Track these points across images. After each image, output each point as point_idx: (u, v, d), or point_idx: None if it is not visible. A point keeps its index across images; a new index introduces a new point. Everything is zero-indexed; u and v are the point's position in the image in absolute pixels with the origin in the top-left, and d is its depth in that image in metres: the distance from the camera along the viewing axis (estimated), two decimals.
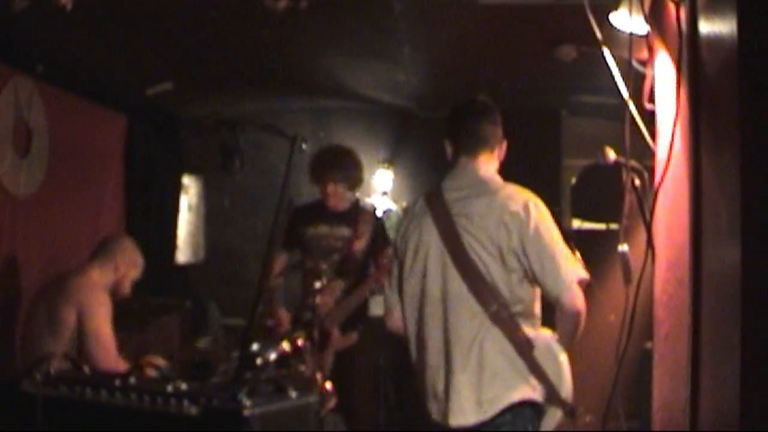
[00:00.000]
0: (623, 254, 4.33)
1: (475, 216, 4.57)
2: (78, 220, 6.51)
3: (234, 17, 6.11)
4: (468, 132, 4.79)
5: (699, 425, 3.24)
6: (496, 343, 4.51)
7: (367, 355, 7.37)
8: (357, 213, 7.22)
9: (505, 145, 4.81)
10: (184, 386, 3.70)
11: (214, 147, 5.46)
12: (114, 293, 6.07)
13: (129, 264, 6.10)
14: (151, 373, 4.55)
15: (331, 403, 6.07)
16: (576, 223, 8.45)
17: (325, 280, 6.20)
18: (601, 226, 7.88)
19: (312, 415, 3.77)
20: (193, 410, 3.53)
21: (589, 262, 6.19)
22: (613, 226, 7.18)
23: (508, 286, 4.51)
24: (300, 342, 5.80)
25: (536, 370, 4.49)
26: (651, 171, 4.08)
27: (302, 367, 5.77)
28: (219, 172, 5.58)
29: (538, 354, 4.50)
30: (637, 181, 4.21)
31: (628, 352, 3.92)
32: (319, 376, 5.84)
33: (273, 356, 5.50)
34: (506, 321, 4.50)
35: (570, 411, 4.53)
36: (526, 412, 4.51)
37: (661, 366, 3.80)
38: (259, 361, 5.27)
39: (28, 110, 7.00)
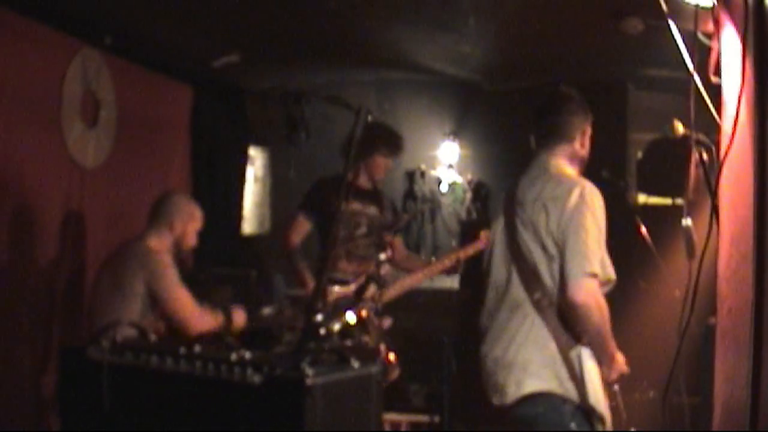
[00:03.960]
0: (686, 228, 4.31)
1: (526, 203, 4.67)
2: (144, 191, 6.59)
3: None
4: (542, 125, 4.89)
5: (761, 400, 3.23)
6: (534, 331, 4.57)
7: (432, 327, 7.41)
8: (380, 192, 7.36)
9: (587, 132, 4.84)
10: (247, 355, 3.74)
11: (279, 119, 5.50)
12: (179, 251, 6.11)
13: (185, 218, 6.10)
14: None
15: (395, 374, 6.10)
16: (642, 198, 8.40)
17: (390, 252, 6.23)
18: (668, 201, 7.83)
19: (374, 386, 3.79)
20: (256, 379, 3.56)
21: (654, 237, 6.19)
22: (680, 201, 7.14)
23: (549, 272, 4.55)
24: (364, 313, 5.83)
25: (569, 367, 4.51)
26: (718, 145, 4.05)
27: (366, 338, 5.81)
28: (285, 144, 5.61)
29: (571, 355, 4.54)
30: (705, 156, 4.18)
31: (691, 328, 3.91)
32: (382, 347, 5.88)
33: (336, 327, 5.54)
34: (547, 310, 4.54)
35: (598, 417, 4.55)
36: (554, 404, 4.54)
37: (724, 341, 3.78)
38: (322, 331, 5.33)
39: (96, 82, 7.08)
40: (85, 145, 6.98)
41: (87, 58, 6.97)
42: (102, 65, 7.18)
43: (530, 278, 4.61)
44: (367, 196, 7.15)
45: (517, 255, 4.70)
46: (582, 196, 4.53)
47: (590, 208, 4.50)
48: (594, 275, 4.43)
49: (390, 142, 7.13)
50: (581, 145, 4.84)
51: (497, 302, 4.81)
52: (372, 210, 7.14)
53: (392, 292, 6.96)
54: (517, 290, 4.67)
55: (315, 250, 7.28)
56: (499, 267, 4.85)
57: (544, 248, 4.57)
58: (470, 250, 6.99)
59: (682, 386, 4.72)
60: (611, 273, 4.57)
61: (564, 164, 4.79)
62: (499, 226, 4.92)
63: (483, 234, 6.59)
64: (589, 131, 4.88)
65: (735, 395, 3.50)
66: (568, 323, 4.54)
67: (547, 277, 4.57)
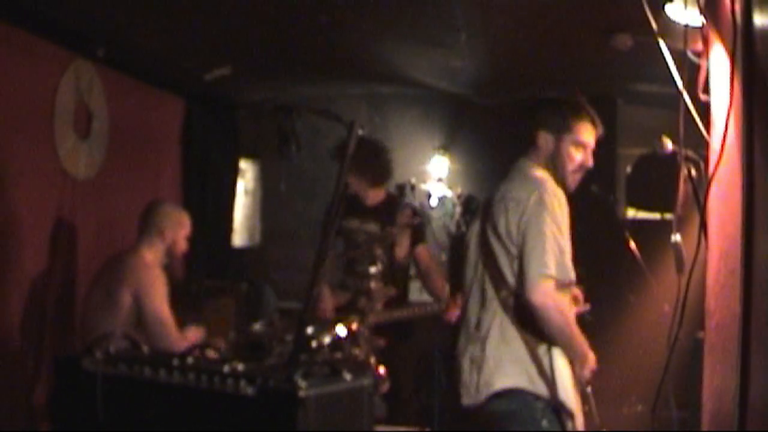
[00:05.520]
0: (675, 244, 4.34)
1: (494, 204, 4.69)
2: (136, 203, 6.60)
3: (292, 2, 6.16)
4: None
5: (748, 414, 3.26)
6: (502, 329, 4.60)
7: (422, 341, 7.41)
8: (392, 212, 7.14)
9: (546, 136, 4.85)
10: (240, 367, 3.77)
11: (270, 131, 5.53)
12: (171, 258, 6.13)
13: (174, 226, 6.12)
14: (212, 353, 4.62)
15: (385, 387, 6.12)
16: (631, 213, 8.45)
17: (380, 266, 6.25)
18: (656, 215, 7.87)
19: (366, 398, 3.82)
20: (250, 390, 3.59)
21: (643, 252, 6.22)
22: (668, 216, 7.17)
23: (512, 272, 4.58)
24: (354, 326, 5.86)
25: (538, 364, 4.55)
26: (706, 161, 4.09)
27: (356, 351, 5.83)
28: (275, 157, 5.64)
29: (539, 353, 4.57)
30: (693, 171, 4.21)
31: (680, 342, 3.93)
32: (372, 360, 5.91)
33: (327, 339, 5.57)
34: (513, 308, 4.57)
35: (567, 414, 4.58)
36: (525, 400, 4.57)
37: (712, 355, 3.81)
38: (313, 343, 5.35)
39: (88, 94, 7.11)
40: (78, 156, 7.01)
41: (80, 70, 7.00)
42: (95, 77, 7.21)
43: (497, 278, 4.64)
44: (367, 213, 7.13)
45: (485, 255, 4.74)
46: (540, 198, 4.54)
47: (548, 210, 4.51)
48: (550, 277, 4.45)
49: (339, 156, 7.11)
50: (547, 149, 4.85)
51: (471, 302, 4.85)
52: (371, 227, 7.10)
53: (376, 317, 6.92)
54: (487, 289, 4.70)
55: None
56: (473, 267, 4.89)
57: (506, 249, 4.60)
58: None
59: (670, 400, 4.75)
60: (571, 274, 4.58)
61: (533, 167, 4.81)
62: (475, 227, 4.96)
63: None
64: (552, 135, 4.87)
65: (723, 409, 3.53)
66: (534, 322, 4.57)
67: (510, 276, 4.61)
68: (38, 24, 6.38)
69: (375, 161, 7.07)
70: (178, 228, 6.13)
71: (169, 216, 6.12)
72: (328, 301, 6.95)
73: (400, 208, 7.20)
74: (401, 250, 7.07)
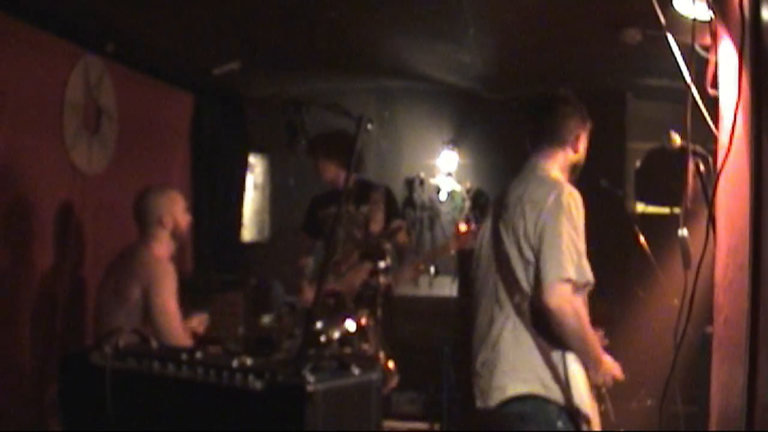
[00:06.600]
0: (683, 239, 4.33)
1: (509, 206, 4.64)
2: None
3: None
4: (535, 126, 4.87)
5: (756, 409, 3.25)
6: (515, 334, 4.57)
7: (431, 335, 7.42)
8: (366, 192, 7.39)
9: (582, 137, 4.81)
10: (249, 361, 3.76)
11: (279, 126, 5.53)
12: (180, 239, 6.10)
13: (168, 208, 6.01)
14: (216, 348, 4.62)
15: (394, 381, 6.12)
16: (640, 207, 8.43)
17: (389, 260, 6.25)
18: (666, 210, 7.86)
19: (374, 393, 3.81)
20: (258, 385, 3.58)
21: (652, 246, 6.21)
22: (677, 210, 7.17)
23: (526, 276, 4.54)
24: (363, 321, 5.86)
25: (552, 369, 4.52)
26: (715, 156, 4.08)
27: (365, 346, 5.83)
28: (284, 151, 5.64)
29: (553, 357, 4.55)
30: (702, 166, 4.20)
31: (688, 337, 3.93)
32: (381, 354, 5.91)
33: (336, 334, 5.57)
34: (527, 313, 4.54)
35: (582, 418, 4.55)
36: (539, 404, 4.54)
37: (720, 350, 3.81)
38: (322, 338, 5.35)
39: (97, 89, 7.11)
40: (87, 151, 7.02)
41: (89, 66, 7.01)
42: (104, 72, 7.22)
43: (510, 281, 4.59)
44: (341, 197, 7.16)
45: (499, 258, 4.68)
46: (558, 200, 4.49)
47: (566, 213, 4.45)
48: (568, 280, 4.41)
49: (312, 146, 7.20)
50: (574, 149, 4.79)
51: (483, 304, 4.81)
52: (348, 208, 7.24)
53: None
54: (500, 293, 4.64)
55: None
56: (485, 269, 4.83)
57: (520, 252, 4.54)
58: (440, 251, 7.15)
59: (677, 395, 4.75)
60: (589, 276, 4.50)
61: (552, 167, 4.75)
62: (486, 227, 4.92)
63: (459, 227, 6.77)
64: (584, 137, 4.85)
65: (731, 404, 3.52)
66: (549, 327, 4.53)
67: (524, 280, 4.56)
68: (47, 20, 6.38)
69: (343, 143, 7.26)
70: (172, 206, 5.99)
71: (158, 201, 5.98)
72: (307, 292, 7.24)
73: (374, 189, 7.48)
74: (376, 225, 7.30)
